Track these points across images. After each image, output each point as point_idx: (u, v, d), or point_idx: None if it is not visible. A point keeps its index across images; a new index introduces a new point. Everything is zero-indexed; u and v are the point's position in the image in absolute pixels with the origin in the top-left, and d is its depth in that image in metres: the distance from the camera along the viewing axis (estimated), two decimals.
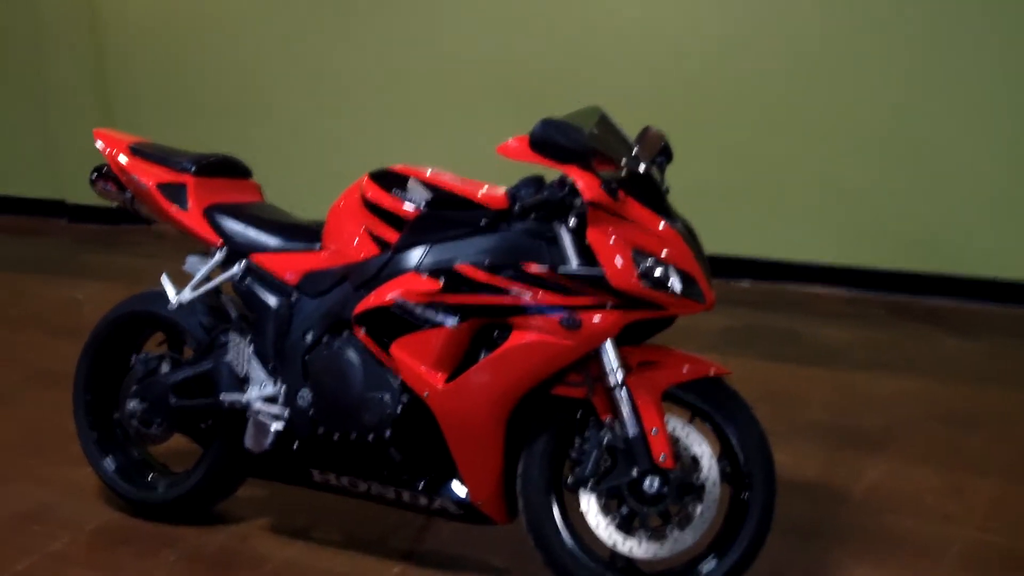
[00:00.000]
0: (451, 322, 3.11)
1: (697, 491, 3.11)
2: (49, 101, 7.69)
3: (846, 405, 4.55)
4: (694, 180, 5.95)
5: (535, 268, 3.01)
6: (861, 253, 5.88)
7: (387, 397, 3.24)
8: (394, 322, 3.19)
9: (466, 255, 3.12)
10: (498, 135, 3.11)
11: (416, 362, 3.18)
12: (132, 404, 3.71)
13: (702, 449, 3.12)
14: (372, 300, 3.23)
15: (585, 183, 2.98)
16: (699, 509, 3.11)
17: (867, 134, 5.73)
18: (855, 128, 5.74)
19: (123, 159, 3.71)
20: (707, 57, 5.94)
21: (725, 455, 3.17)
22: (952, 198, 5.66)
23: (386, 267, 3.25)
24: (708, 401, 3.16)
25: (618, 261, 2.97)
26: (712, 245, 5.97)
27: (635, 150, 3.20)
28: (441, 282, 3.11)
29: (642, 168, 3.13)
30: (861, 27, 5.65)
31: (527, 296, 3.01)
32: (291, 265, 3.48)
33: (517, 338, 3.06)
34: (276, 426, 3.42)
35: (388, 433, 3.24)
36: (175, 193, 3.62)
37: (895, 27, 5.60)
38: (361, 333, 3.27)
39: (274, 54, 7.07)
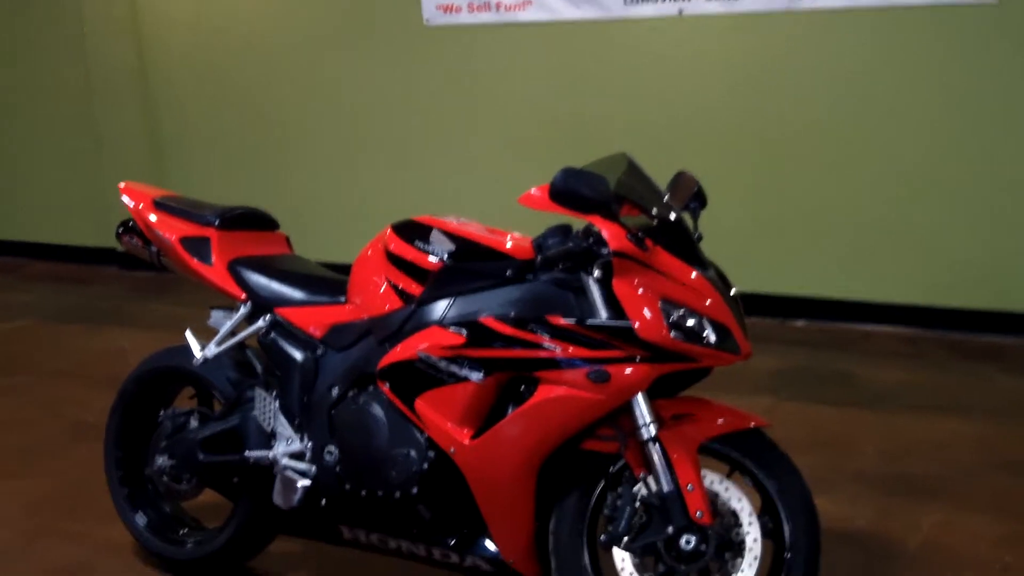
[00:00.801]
0: (476, 377, 3.02)
1: (737, 548, 2.98)
2: (100, 149, 7.73)
3: (899, 450, 4.38)
4: (747, 218, 5.86)
5: (562, 321, 2.91)
6: (919, 290, 5.71)
7: (413, 453, 3.15)
8: (419, 377, 3.10)
9: (491, 307, 3.02)
10: (538, 180, 3.02)
11: (441, 418, 3.08)
12: (161, 460, 3.66)
13: (741, 504, 3.00)
14: (396, 354, 3.14)
15: (611, 233, 2.88)
16: (740, 566, 2.98)
17: (924, 170, 5.57)
18: (912, 164, 5.59)
19: (148, 213, 3.68)
20: (761, 92, 5.81)
21: (766, 510, 3.04)
22: (1011, 233, 5.48)
23: (409, 320, 3.17)
24: (747, 454, 3.04)
25: (647, 313, 2.86)
26: (766, 284, 5.96)
27: (666, 197, 3.10)
28: (465, 336, 3.01)
29: (673, 216, 3.03)
30: (915, 59, 5.50)
31: (554, 349, 2.91)
32: (316, 319, 3.41)
33: (544, 392, 2.95)
34: (303, 483, 3.34)
35: (415, 490, 3.15)
36: (199, 247, 3.57)
37: (948, 57, 5.44)
38: (386, 388, 3.18)
39: (317, 98, 7.04)
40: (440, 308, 3.11)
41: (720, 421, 3.02)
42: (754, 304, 5.88)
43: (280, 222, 3.75)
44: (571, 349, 2.90)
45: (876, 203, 5.68)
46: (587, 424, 2.98)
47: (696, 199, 3.24)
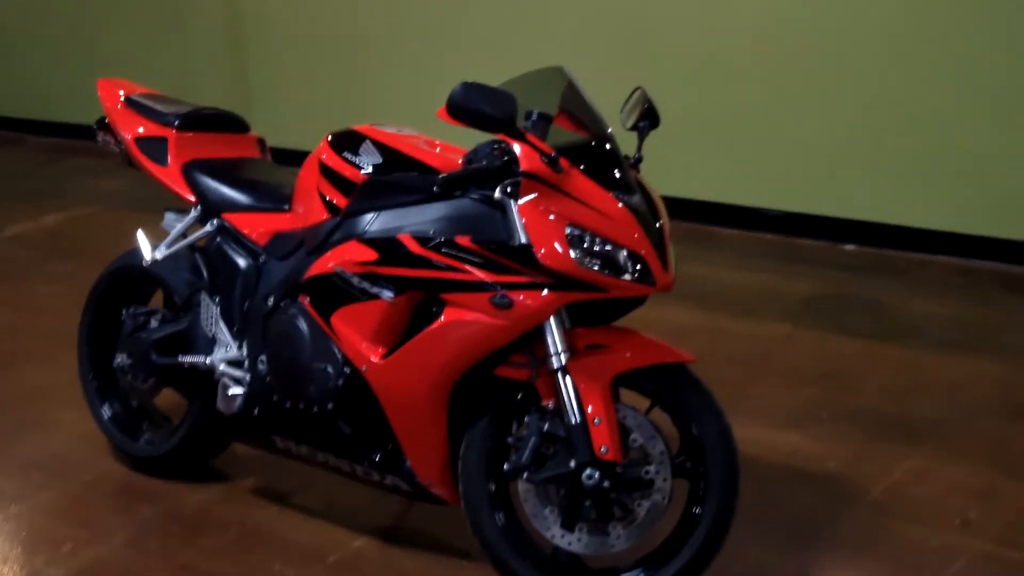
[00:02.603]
0: (387, 295, 2.93)
1: (645, 487, 2.85)
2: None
3: (904, 389, 4.13)
4: (804, 138, 5.58)
5: (467, 242, 2.79)
6: (980, 221, 5.34)
7: (330, 369, 3.09)
8: (335, 292, 3.03)
9: (410, 224, 2.92)
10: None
11: (355, 334, 3.01)
12: (120, 358, 3.68)
13: (654, 442, 2.86)
14: (315, 267, 3.08)
15: (523, 152, 2.74)
16: (646, 507, 2.85)
17: (992, 93, 5.18)
18: (978, 87, 5.20)
19: (114, 111, 3.65)
20: (824, 10, 5.48)
21: (684, 450, 2.90)
22: None
23: (334, 233, 3.09)
24: (667, 390, 2.90)
25: (549, 238, 2.72)
26: (818, 206, 5.68)
27: (597, 116, 2.93)
28: (377, 252, 2.92)
29: (600, 136, 2.87)
30: None
31: (459, 272, 2.80)
32: (260, 226, 3.36)
33: (449, 315, 2.85)
34: (236, 390, 3.32)
35: (331, 406, 3.09)
36: (155, 147, 3.54)
37: None
38: (306, 301, 3.12)
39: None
40: (362, 222, 3.03)
41: (639, 354, 2.87)
42: (804, 225, 5.65)
43: None
44: (475, 272, 2.78)
45: (941, 127, 5.31)
46: (493, 350, 2.87)
47: (646, 118, 3.07)
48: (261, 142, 3.75)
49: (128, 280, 3.77)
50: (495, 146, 2.86)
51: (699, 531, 2.85)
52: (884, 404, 4.02)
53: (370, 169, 3.04)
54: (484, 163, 2.81)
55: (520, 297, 2.74)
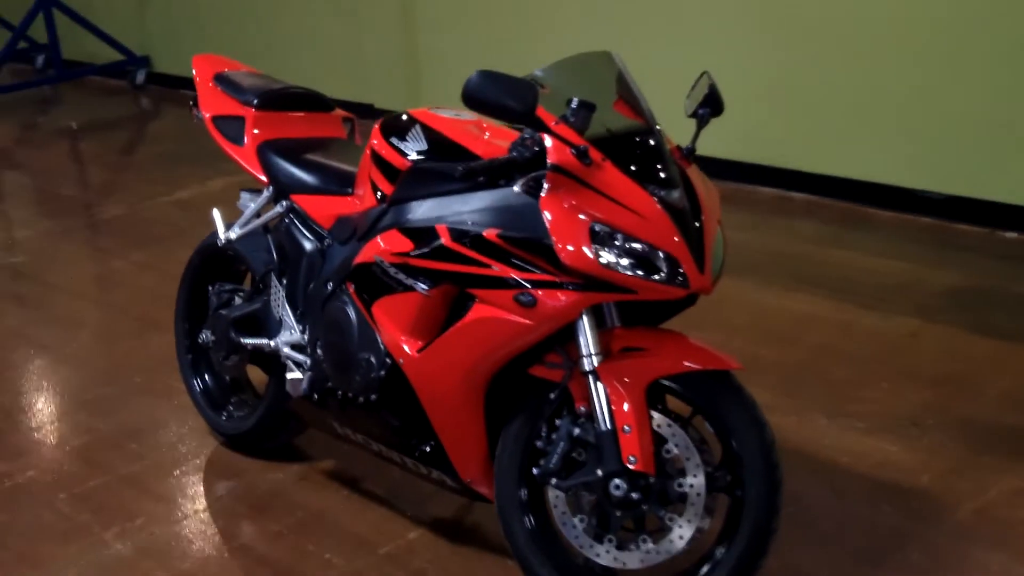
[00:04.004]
0: (423, 287, 2.85)
1: (677, 501, 2.70)
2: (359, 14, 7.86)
3: None
4: (968, 118, 5.20)
5: (493, 236, 2.68)
6: None
7: (373, 359, 3.03)
8: (376, 281, 2.97)
9: (452, 214, 2.82)
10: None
11: (393, 326, 2.94)
12: (205, 334, 3.72)
13: (688, 453, 2.69)
14: (361, 255, 3.02)
15: (554, 143, 2.60)
16: (678, 522, 2.69)
17: None
18: None
19: (203, 88, 3.67)
20: None
21: (725, 463, 2.73)
22: None
23: (379, 221, 3.02)
24: (708, 398, 2.71)
25: (572, 235, 2.57)
26: (981, 189, 5.28)
27: (643, 105, 2.76)
28: (413, 243, 2.84)
29: (642, 127, 2.70)
30: None
31: (485, 267, 2.69)
32: (326, 209, 3.32)
33: (476, 312, 2.75)
34: (297, 374, 3.31)
35: (374, 397, 3.04)
36: (233, 127, 3.54)
37: None
38: (352, 289, 3.07)
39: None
40: (405, 211, 2.95)
41: (678, 360, 2.69)
42: (965, 209, 5.28)
43: None
44: (500, 268, 2.66)
45: None
46: (521, 349, 2.75)
47: (707, 104, 2.87)
48: (348, 121, 3.70)
49: (220, 258, 3.80)
50: (528, 136, 2.72)
51: (731, 551, 2.68)
52: (1001, 414, 3.70)
53: (415, 156, 2.95)
54: (515, 154, 2.69)
55: (545, 296, 2.61)
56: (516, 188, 2.65)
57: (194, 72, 3.75)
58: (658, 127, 2.75)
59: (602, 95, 2.77)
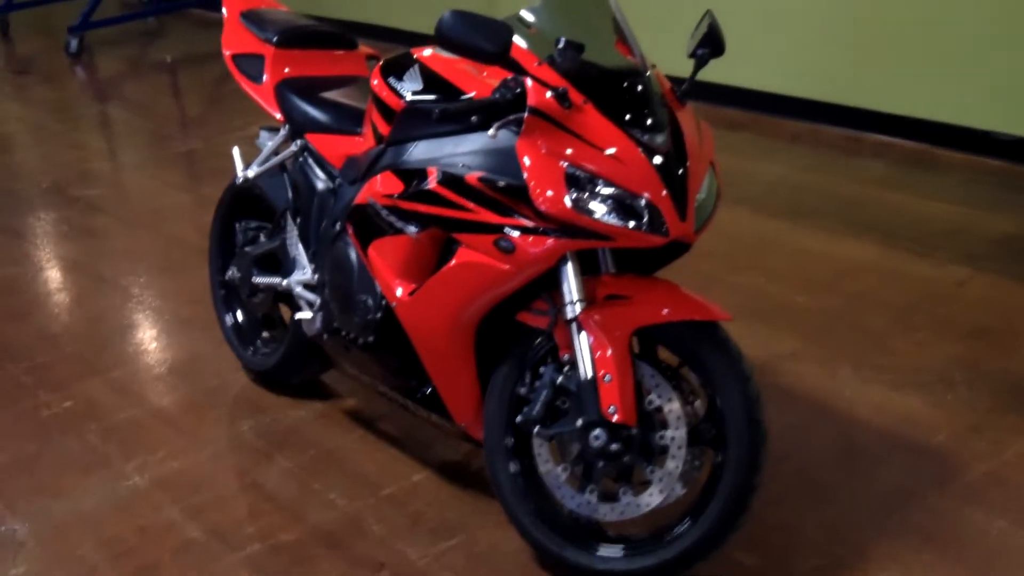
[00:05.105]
0: (411, 230, 2.83)
1: (659, 453, 2.66)
2: None
3: None
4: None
5: (474, 180, 2.64)
6: None
7: (370, 301, 3.03)
8: (370, 223, 2.96)
9: (444, 157, 2.78)
10: None
11: (387, 268, 2.94)
12: (231, 271, 3.76)
13: (671, 405, 2.65)
14: (359, 196, 3.01)
15: (533, 85, 2.55)
16: (659, 475, 2.66)
17: None
18: None
19: (227, 25, 3.67)
20: None
21: (709, 416, 2.68)
22: None
23: (377, 162, 3.00)
24: (693, 349, 2.66)
25: (547, 180, 2.52)
26: None
27: (635, 47, 2.69)
28: (404, 185, 2.82)
29: (629, 69, 2.63)
30: None
31: (466, 211, 2.66)
32: (338, 148, 3.31)
33: (459, 256, 2.72)
34: (306, 314, 3.33)
35: (371, 339, 3.04)
36: (253, 65, 3.54)
37: None
38: (350, 230, 3.07)
39: None
40: (400, 152, 2.92)
41: (663, 309, 2.64)
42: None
43: None
44: (481, 213, 2.63)
45: None
46: (504, 295, 2.72)
47: (706, 44, 2.77)
48: (373, 59, 3.67)
49: (248, 195, 3.82)
50: (513, 79, 2.66)
51: (711, 508, 2.63)
52: None
53: (410, 96, 2.92)
54: (496, 95, 2.64)
55: (523, 241, 2.58)
56: (490, 132, 2.59)
57: (224, 10, 3.75)
58: (651, 69, 2.67)
59: (595, 35, 2.71)
